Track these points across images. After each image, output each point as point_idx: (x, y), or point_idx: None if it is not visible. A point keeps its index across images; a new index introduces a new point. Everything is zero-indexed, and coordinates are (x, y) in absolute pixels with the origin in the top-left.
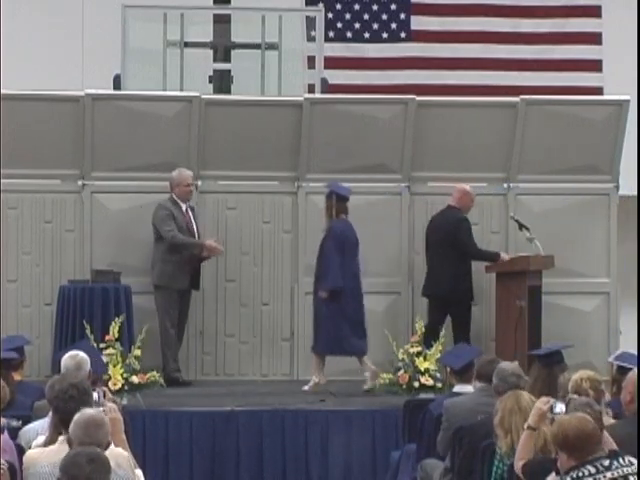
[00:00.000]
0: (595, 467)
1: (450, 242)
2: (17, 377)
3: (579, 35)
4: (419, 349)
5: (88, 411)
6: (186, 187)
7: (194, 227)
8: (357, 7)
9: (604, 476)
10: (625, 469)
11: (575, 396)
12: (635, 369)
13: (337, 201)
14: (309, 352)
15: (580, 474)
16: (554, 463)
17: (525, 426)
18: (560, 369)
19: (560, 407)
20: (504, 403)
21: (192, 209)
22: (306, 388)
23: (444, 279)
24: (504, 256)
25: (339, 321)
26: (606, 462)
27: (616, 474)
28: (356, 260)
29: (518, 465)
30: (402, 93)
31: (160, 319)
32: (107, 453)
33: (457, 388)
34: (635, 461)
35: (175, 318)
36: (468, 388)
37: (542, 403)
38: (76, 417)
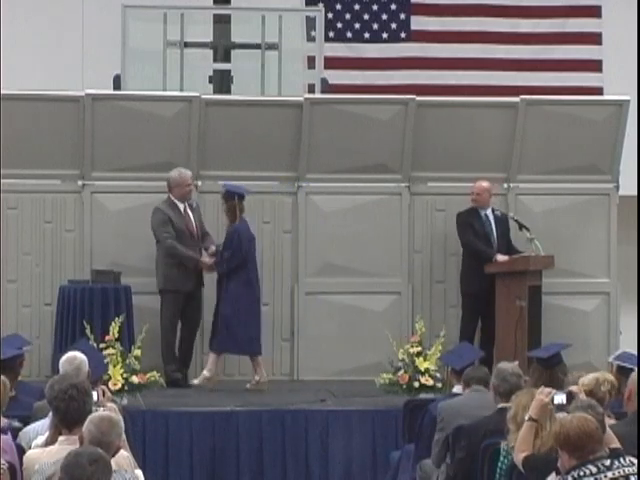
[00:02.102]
0: (596, 467)
1: None
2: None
3: (579, 35)
4: (419, 349)
5: (106, 412)
6: (187, 187)
7: (194, 227)
8: (357, 7)
9: (605, 476)
10: (626, 469)
11: (574, 388)
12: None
13: (239, 201)
14: (309, 352)
15: (581, 473)
16: (555, 462)
17: (526, 417)
18: (560, 370)
19: (560, 398)
20: (519, 399)
21: (191, 206)
22: (196, 382)
23: (461, 276)
24: (501, 258)
25: (235, 320)
26: (607, 462)
27: (617, 474)
28: (254, 261)
29: (519, 457)
30: (402, 93)
31: (163, 322)
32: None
33: (457, 389)
34: (636, 461)
35: (177, 319)
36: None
37: (543, 394)
38: (92, 415)
